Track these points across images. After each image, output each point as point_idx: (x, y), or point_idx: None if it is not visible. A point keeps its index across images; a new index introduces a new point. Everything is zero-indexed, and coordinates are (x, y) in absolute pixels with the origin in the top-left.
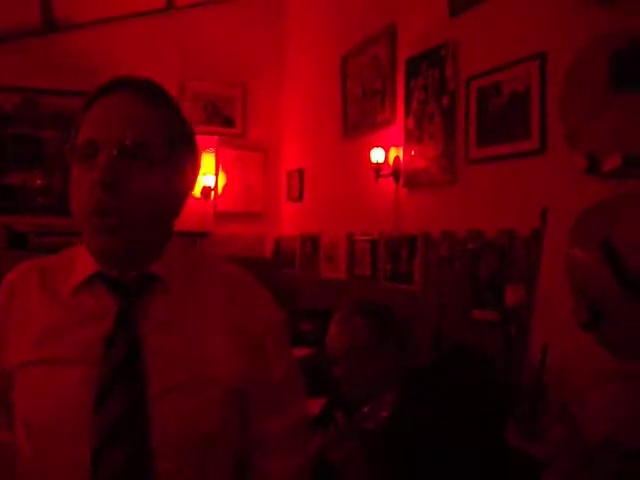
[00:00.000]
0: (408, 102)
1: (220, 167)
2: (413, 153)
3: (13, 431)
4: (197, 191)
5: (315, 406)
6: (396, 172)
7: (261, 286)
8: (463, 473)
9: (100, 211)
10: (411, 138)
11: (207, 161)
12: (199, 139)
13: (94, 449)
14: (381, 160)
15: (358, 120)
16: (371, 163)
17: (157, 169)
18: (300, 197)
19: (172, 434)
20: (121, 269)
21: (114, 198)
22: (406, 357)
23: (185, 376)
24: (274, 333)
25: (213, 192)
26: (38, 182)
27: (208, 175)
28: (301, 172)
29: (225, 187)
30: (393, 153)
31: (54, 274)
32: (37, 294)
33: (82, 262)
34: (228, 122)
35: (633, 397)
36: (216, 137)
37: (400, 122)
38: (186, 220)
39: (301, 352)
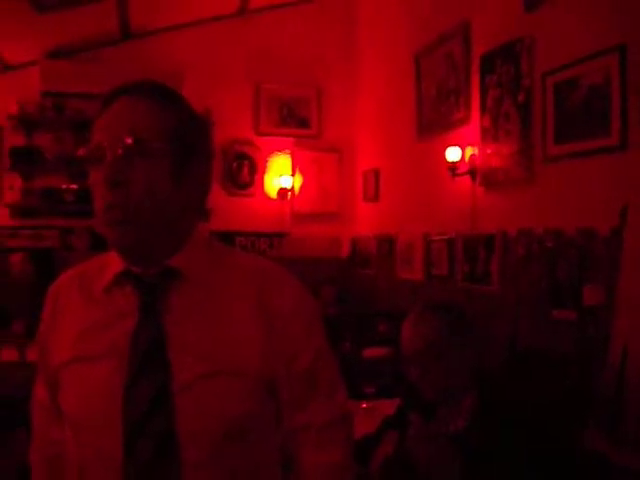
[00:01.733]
0: (483, 100)
1: (296, 168)
2: (489, 151)
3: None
4: (274, 192)
5: (391, 407)
6: (472, 171)
7: (290, 277)
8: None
9: (109, 206)
10: (487, 136)
11: (283, 163)
12: (275, 141)
13: (125, 439)
14: (457, 159)
15: (433, 119)
16: (447, 162)
17: (160, 165)
18: (376, 197)
19: (196, 424)
20: (143, 265)
21: (119, 194)
22: (481, 358)
23: (209, 366)
24: (302, 323)
25: (290, 193)
26: None
27: (284, 176)
28: (377, 172)
29: (301, 188)
30: (469, 152)
31: (91, 276)
32: (76, 297)
33: (113, 263)
34: (303, 123)
35: None
36: (292, 139)
37: (475, 120)
38: (263, 221)
39: (377, 352)
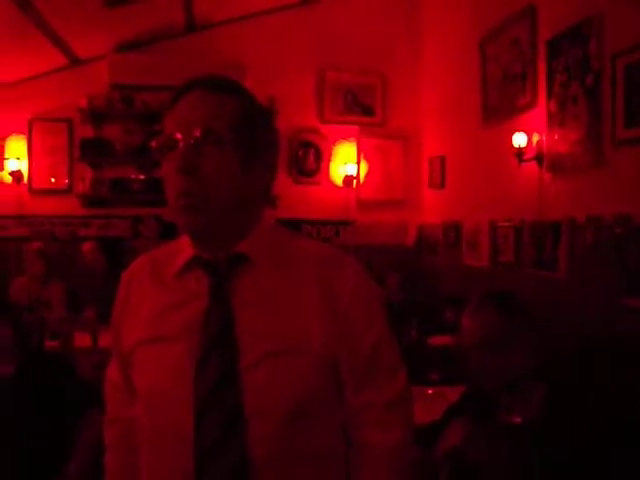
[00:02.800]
0: (550, 84)
1: (362, 156)
2: (556, 137)
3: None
4: (339, 180)
5: (455, 393)
6: (539, 156)
7: (352, 262)
8: (621, 474)
9: (181, 193)
10: (554, 121)
11: (348, 150)
12: (340, 129)
13: (195, 415)
14: (523, 145)
15: (499, 105)
16: (513, 148)
17: (228, 152)
18: (442, 184)
19: (263, 401)
20: (212, 251)
21: (192, 182)
22: (545, 347)
23: (275, 345)
24: (362, 304)
25: (355, 181)
26: None
27: (350, 164)
28: (442, 159)
29: (367, 176)
30: (535, 137)
31: (162, 262)
32: (149, 281)
33: (183, 250)
34: (368, 111)
35: None
36: (357, 126)
37: (542, 105)
38: (329, 209)
39: (442, 340)
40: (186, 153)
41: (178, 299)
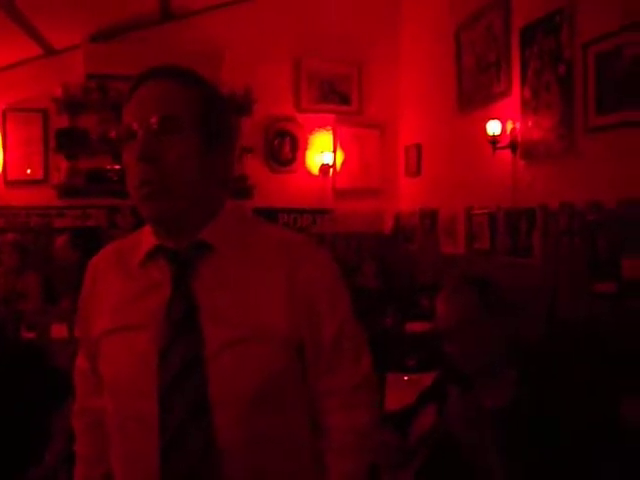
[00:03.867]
0: (524, 72)
1: (338, 144)
2: (530, 124)
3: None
4: (316, 169)
5: (430, 380)
6: (513, 144)
7: (317, 248)
8: (590, 454)
9: (142, 182)
10: (527, 109)
11: (324, 139)
12: (316, 117)
13: (160, 403)
14: (497, 132)
15: (473, 93)
16: (487, 136)
17: (187, 139)
18: (418, 172)
19: (228, 387)
20: (175, 239)
21: (152, 170)
22: (519, 331)
23: (239, 332)
24: (325, 291)
25: (332, 169)
26: None
27: (326, 153)
28: (419, 147)
29: (343, 164)
30: (509, 125)
31: (127, 252)
32: (114, 271)
33: (146, 239)
34: (344, 100)
35: None
36: (333, 115)
37: (516, 93)
38: (306, 198)
39: (419, 327)
40: (145, 141)
41: (142, 288)
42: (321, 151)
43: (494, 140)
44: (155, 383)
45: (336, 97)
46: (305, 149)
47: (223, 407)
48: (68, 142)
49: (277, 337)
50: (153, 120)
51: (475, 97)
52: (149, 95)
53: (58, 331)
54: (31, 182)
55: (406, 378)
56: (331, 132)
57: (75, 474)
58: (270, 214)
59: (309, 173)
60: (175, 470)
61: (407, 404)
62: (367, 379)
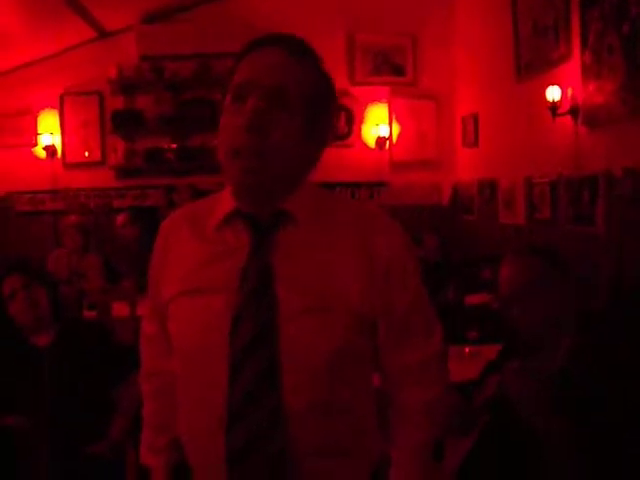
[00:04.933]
0: (584, 35)
1: (394, 117)
2: (591, 89)
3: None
4: (372, 142)
5: (492, 352)
6: (574, 110)
7: (392, 221)
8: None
9: (243, 151)
10: (589, 73)
11: (380, 112)
12: (371, 90)
13: (230, 366)
14: (557, 99)
15: (531, 59)
16: (547, 102)
17: (296, 118)
18: (476, 142)
19: (298, 352)
20: (257, 206)
21: (256, 141)
22: (582, 299)
23: (313, 301)
24: (400, 264)
25: (388, 142)
26: (215, 143)
27: (382, 125)
28: (475, 117)
29: (399, 137)
30: (570, 91)
31: (201, 216)
32: (187, 235)
33: (224, 203)
34: (399, 71)
35: None
36: (388, 87)
37: (576, 57)
38: (363, 171)
39: (479, 299)
40: (257, 111)
41: (217, 252)
42: (377, 124)
43: (554, 106)
44: (226, 347)
45: (390, 69)
46: (361, 122)
47: (292, 374)
48: (124, 123)
49: (351, 308)
50: (272, 93)
51: (533, 63)
52: (273, 65)
53: (119, 309)
54: (89, 164)
55: (467, 350)
56: (386, 104)
57: (142, 441)
58: (327, 189)
59: (365, 146)
60: (240, 435)
61: (470, 377)
62: (439, 353)
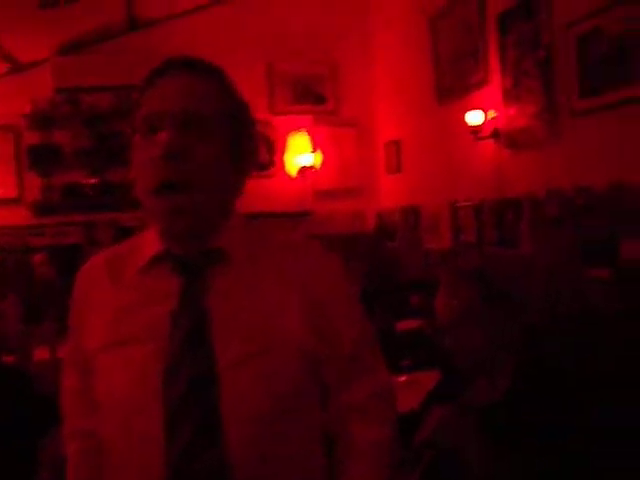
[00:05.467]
0: (502, 59)
1: (316, 145)
2: (512, 112)
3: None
4: (294, 171)
5: (428, 379)
6: (495, 133)
7: (331, 255)
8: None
9: (166, 185)
10: (509, 96)
11: (302, 140)
12: (292, 119)
13: (166, 421)
14: (479, 122)
15: (452, 84)
16: (468, 126)
17: (215, 142)
18: (399, 168)
19: (241, 402)
20: (186, 246)
21: (178, 170)
22: (517, 325)
23: (254, 345)
24: (342, 298)
25: (310, 171)
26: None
27: (304, 154)
28: (398, 143)
29: (322, 165)
30: (491, 114)
31: (123, 260)
32: (109, 281)
33: (148, 244)
34: (319, 99)
35: None
36: (309, 116)
37: (496, 81)
38: (286, 201)
39: (410, 324)
40: (172, 139)
41: (142, 298)
42: (299, 153)
43: (475, 130)
44: (159, 402)
45: (311, 97)
46: (282, 152)
47: (236, 426)
48: (41, 158)
49: (295, 348)
50: (178, 117)
51: (454, 88)
52: (172, 89)
53: (40, 354)
54: (5, 202)
55: (403, 379)
56: (308, 133)
57: None
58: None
59: (288, 176)
60: None
61: (408, 407)
62: (386, 389)
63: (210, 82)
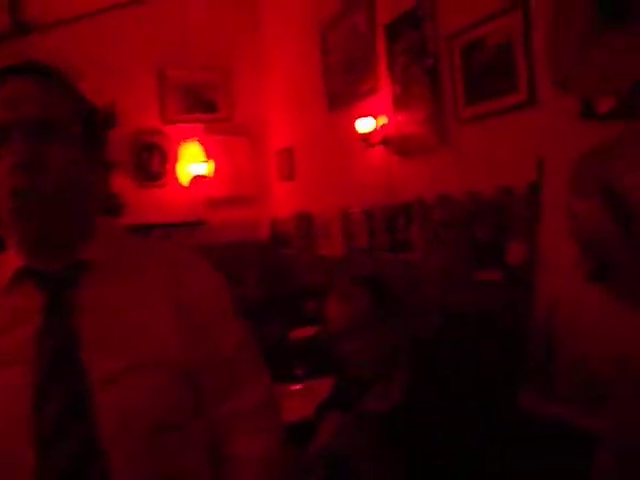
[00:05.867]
0: (391, 68)
1: (208, 154)
2: (401, 119)
3: None
4: (187, 181)
5: (323, 387)
6: (385, 140)
7: (205, 264)
8: (480, 447)
9: (16, 192)
10: (398, 104)
11: (194, 149)
12: (184, 128)
13: (37, 448)
14: (369, 130)
15: (342, 91)
16: (359, 133)
17: (74, 148)
18: (291, 176)
19: (120, 424)
20: (48, 260)
21: (32, 178)
22: (411, 330)
23: (127, 362)
24: (218, 305)
25: (203, 180)
26: None
27: (196, 163)
28: (290, 150)
29: (215, 174)
30: (381, 121)
31: None
32: None
33: (9, 262)
34: (211, 108)
35: None
36: (201, 125)
37: (385, 89)
38: (179, 211)
39: (305, 332)
40: (27, 146)
41: (7, 319)
42: (191, 162)
43: (366, 137)
44: (30, 428)
45: (203, 106)
46: (175, 161)
47: (116, 448)
48: None
49: (170, 362)
50: (29, 123)
51: (345, 95)
52: (17, 96)
53: None
54: None
55: (296, 388)
56: (200, 142)
57: None
58: (143, 231)
59: (180, 185)
60: None
61: (301, 415)
62: (269, 396)
63: (54, 85)
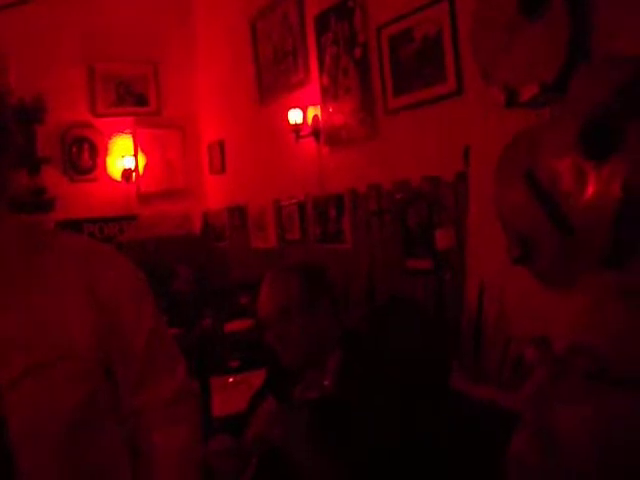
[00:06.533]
0: (321, 59)
1: (138, 148)
2: (331, 110)
3: None
4: (118, 175)
5: (257, 379)
6: (316, 131)
7: (117, 254)
8: (414, 431)
9: None
10: (327, 95)
11: (125, 143)
12: (114, 121)
13: None
14: (299, 121)
15: (273, 83)
16: (290, 125)
17: None
18: (223, 169)
19: (32, 423)
20: None
21: None
22: (342, 318)
23: (37, 356)
24: (131, 298)
25: (134, 174)
26: None
27: (127, 157)
28: (221, 143)
29: (146, 168)
30: (311, 112)
31: None
32: None
33: None
34: (142, 101)
35: None
36: (131, 118)
37: (315, 80)
38: (110, 205)
39: (238, 325)
40: None
41: None
42: (122, 156)
43: (297, 129)
44: None
45: (133, 99)
46: (105, 155)
47: (29, 447)
48: None
49: (82, 356)
50: None
51: (275, 87)
52: None
53: None
54: None
55: (231, 380)
56: (131, 135)
57: None
58: (74, 226)
59: (112, 179)
60: None
61: (237, 408)
62: (184, 388)
63: None
